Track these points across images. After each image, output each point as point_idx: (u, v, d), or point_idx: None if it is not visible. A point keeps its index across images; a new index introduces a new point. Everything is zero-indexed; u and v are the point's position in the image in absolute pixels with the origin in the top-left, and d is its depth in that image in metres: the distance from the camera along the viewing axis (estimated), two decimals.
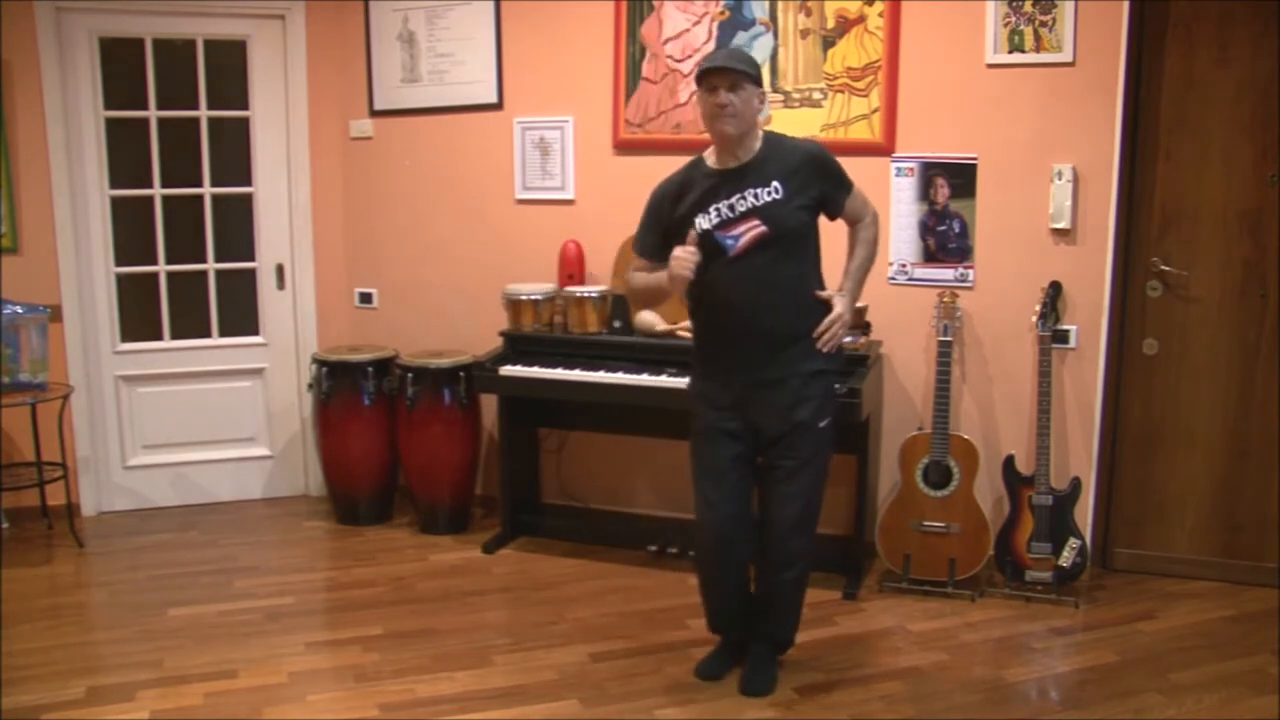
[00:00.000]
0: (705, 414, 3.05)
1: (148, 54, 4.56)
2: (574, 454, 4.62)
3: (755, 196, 2.88)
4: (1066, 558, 3.73)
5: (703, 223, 2.90)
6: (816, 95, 4.04)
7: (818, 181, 2.94)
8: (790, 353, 2.94)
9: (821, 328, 2.95)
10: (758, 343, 2.92)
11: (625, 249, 4.22)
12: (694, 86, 3.63)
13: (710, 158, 2.98)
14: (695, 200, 2.93)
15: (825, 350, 2.96)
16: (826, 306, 2.97)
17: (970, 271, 3.95)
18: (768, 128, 4.00)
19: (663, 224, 3.01)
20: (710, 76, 2.85)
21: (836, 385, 3.15)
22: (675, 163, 3.50)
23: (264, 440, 4.94)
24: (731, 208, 2.89)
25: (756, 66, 2.94)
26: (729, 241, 2.87)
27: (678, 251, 2.86)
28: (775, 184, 2.88)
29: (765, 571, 3.12)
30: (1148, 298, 3.90)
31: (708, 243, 2.88)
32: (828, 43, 3.99)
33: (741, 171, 2.91)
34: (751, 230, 2.87)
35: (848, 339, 3.87)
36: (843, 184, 3.01)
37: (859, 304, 3.94)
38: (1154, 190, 3.84)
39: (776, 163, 2.91)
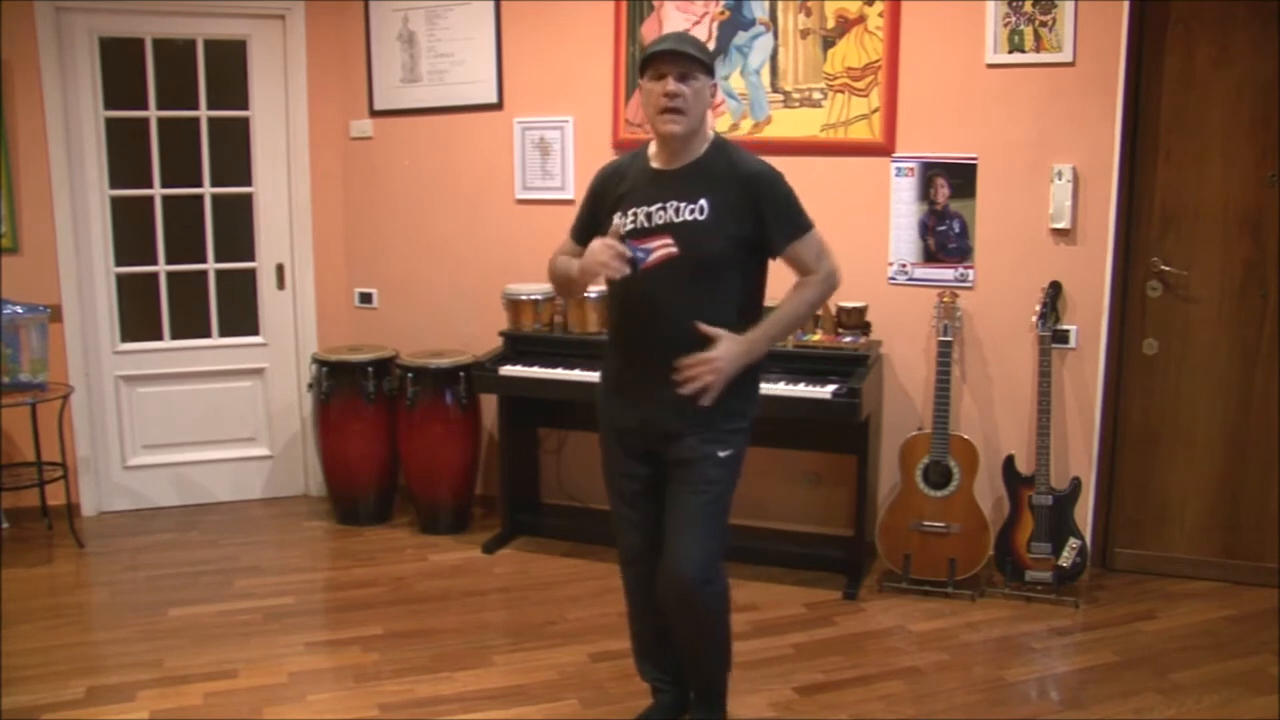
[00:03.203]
0: (602, 422, 2.76)
1: (148, 54, 4.56)
2: (574, 454, 4.62)
3: (675, 211, 2.50)
4: (1066, 558, 3.73)
5: (619, 225, 2.57)
6: (816, 95, 4.03)
7: (756, 212, 2.51)
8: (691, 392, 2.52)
9: (688, 361, 2.45)
10: (654, 371, 2.54)
11: None
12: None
13: (651, 149, 2.62)
14: (621, 196, 2.60)
15: (684, 390, 2.44)
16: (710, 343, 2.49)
17: (970, 271, 3.95)
18: (768, 127, 4.08)
19: (596, 215, 2.69)
20: (658, 62, 2.47)
21: (743, 425, 2.66)
22: None
23: (264, 440, 4.94)
24: (649, 216, 2.52)
25: (709, 53, 2.57)
26: (639, 254, 2.51)
27: (594, 244, 2.51)
28: (702, 202, 2.49)
29: (670, 612, 2.69)
30: (1148, 298, 3.90)
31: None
32: (828, 43, 3.99)
33: (673, 178, 2.53)
34: (663, 248, 2.50)
35: (847, 339, 3.88)
36: (791, 224, 2.54)
37: (856, 304, 3.95)
38: (1154, 190, 3.84)
39: (714, 178, 2.52)
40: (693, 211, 2.50)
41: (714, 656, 2.77)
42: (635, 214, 2.55)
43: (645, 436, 2.66)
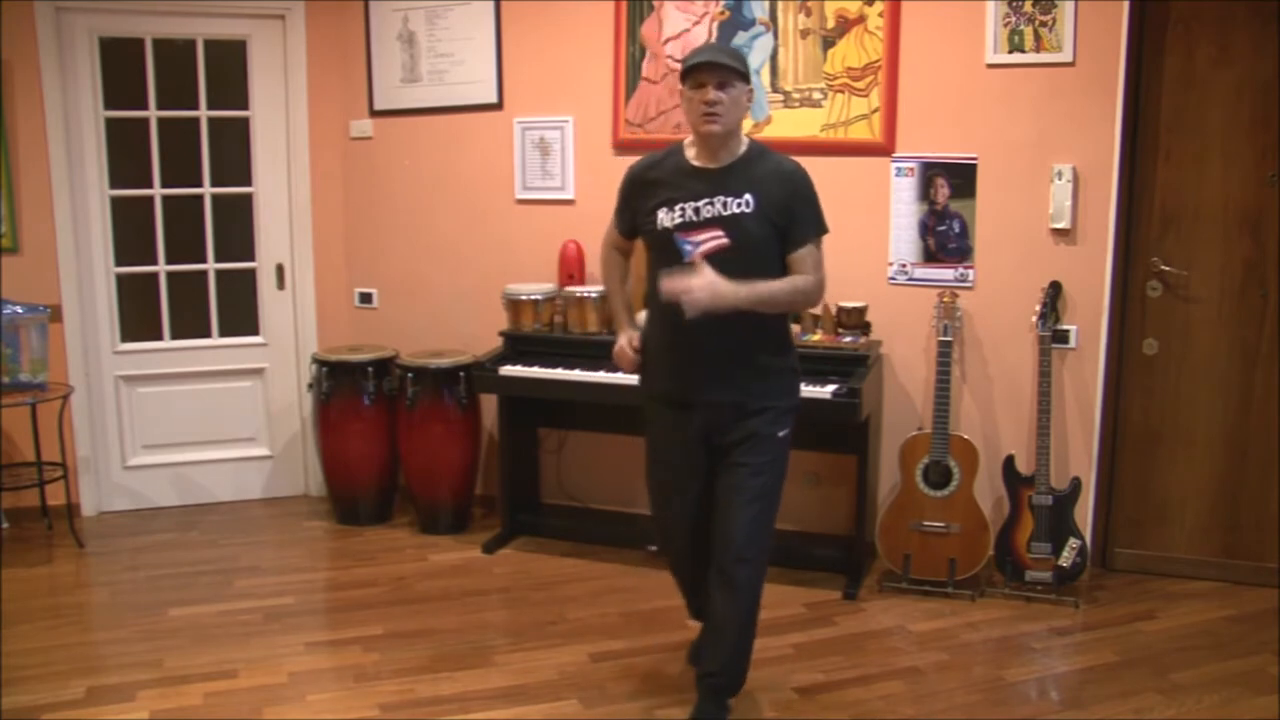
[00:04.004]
0: (650, 415, 2.96)
1: (148, 54, 4.56)
2: (574, 454, 4.62)
3: (724, 205, 2.71)
4: (1066, 558, 3.73)
5: (665, 220, 2.76)
6: (816, 95, 4.04)
7: (790, 206, 2.73)
8: (742, 373, 2.78)
9: (674, 278, 2.64)
10: (707, 359, 2.78)
11: None
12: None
13: (690, 150, 2.81)
14: (664, 193, 2.78)
15: (662, 290, 2.65)
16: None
17: (970, 271, 3.95)
18: (768, 127, 4.07)
19: (633, 207, 2.88)
20: (697, 73, 2.68)
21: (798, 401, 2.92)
22: None
23: (264, 440, 4.94)
24: (697, 211, 2.72)
25: (744, 61, 2.77)
26: (687, 247, 2.72)
27: (621, 346, 2.94)
28: (748, 196, 2.70)
29: (713, 589, 2.85)
30: (1148, 298, 3.90)
31: (666, 242, 2.75)
32: (828, 43, 3.99)
33: (717, 175, 2.74)
34: (712, 240, 2.71)
35: (847, 339, 3.89)
36: (810, 226, 2.75)
37: (856, 304, 3.95)
38: (1154, 190, 3.84)
39: (755, 174, 2.73)
40: (740, 205, 2.70)
41: (744, 635, 2.88)
42: (683, 209, 2.74)
43: (704, 422, 2.83)
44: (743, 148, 2.77)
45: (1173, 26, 3.73)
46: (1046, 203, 3.81)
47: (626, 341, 2.98)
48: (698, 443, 2.86)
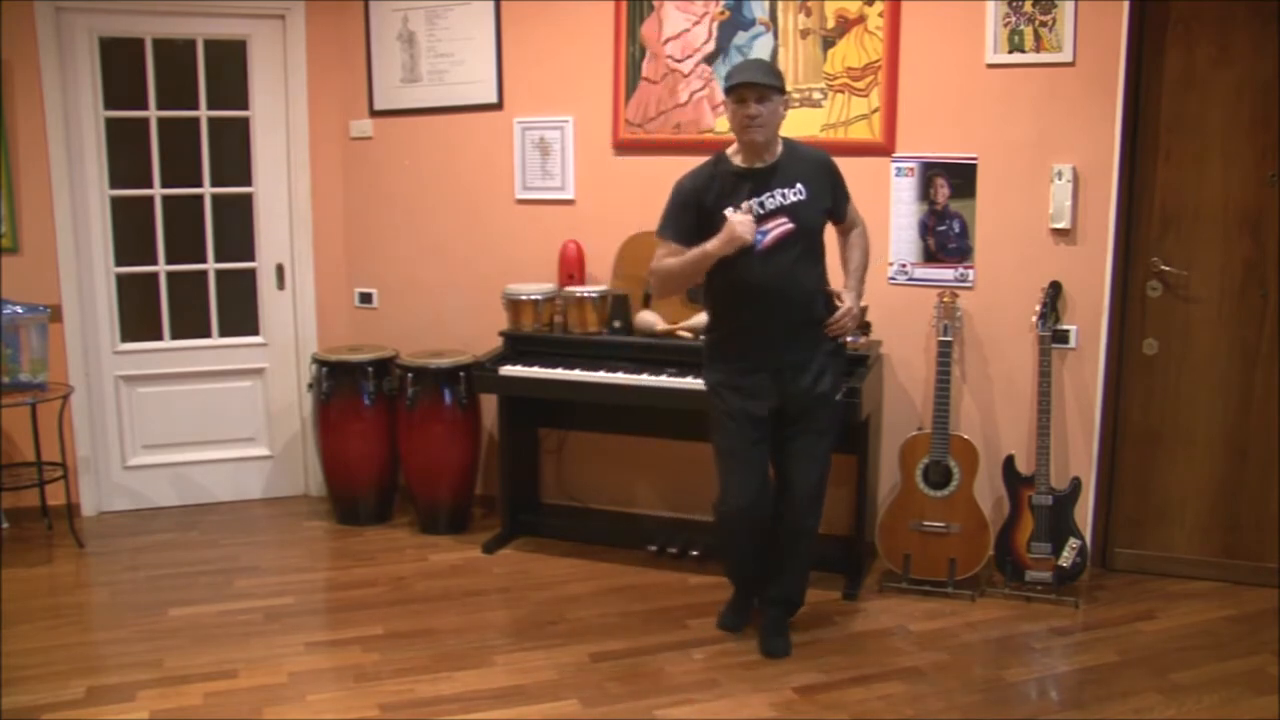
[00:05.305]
0: (730, 401, 3.24)
1: (148, 54, 4.56)
2: (574, 454, 4.62)
3: (783, 196, 3.12)
4: (1066, 558, 3.73)
5: (747, 207, 3.12)
6: (816, 95, 4.04)
7: (830, 188, 3.23)
8: (810, 337, 3.23)
9: (834, 319, 3.25)
10: (784, 330, 3.18)
11: (625, 249, 4.22)
12: (694, 87, 3.95)
13: (735, 156, 3.18)
14: (725, 195, 3.14)
15: (834, 337, 3.29)
16: (834, 300, 3.27)
17: (970, 271, 3.95)
18: None
19: (695, 215, 3.16)
20: (740, 89, 3.04)
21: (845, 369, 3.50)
22: (676, 162, 3.53)
23: (264, 440, 4.94)
24: (762, 205, 3.11)
25: (781, 76, 3.16)
26: (758, 236, 3.09)
27: (736, 216, 3.05)
28: (799, 186, 3.14)
29: (784, 536, 3.35)
30: (1148, 298, 3.90)
31: None
32: (828, 43, 3.99)
33: (768, 172, 3.14)
34: (780, 227, 3.11)
35: (848, 338, 3.89)
36: (846, 193, 3.32)
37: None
38: (1154, 190, 3.84)
39: (798, 166, 3.17)
40: (796, 194, 3.14)
41: (806, 563, 3.44)
42: (749, 205, 3.11)
43: (775, 391, 3.21)
44: (780, 147, 3.18)
45: (1173, 26, 3.73)
46: (1046, 203, 3.81)
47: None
48: (766, 422, 3.23)
